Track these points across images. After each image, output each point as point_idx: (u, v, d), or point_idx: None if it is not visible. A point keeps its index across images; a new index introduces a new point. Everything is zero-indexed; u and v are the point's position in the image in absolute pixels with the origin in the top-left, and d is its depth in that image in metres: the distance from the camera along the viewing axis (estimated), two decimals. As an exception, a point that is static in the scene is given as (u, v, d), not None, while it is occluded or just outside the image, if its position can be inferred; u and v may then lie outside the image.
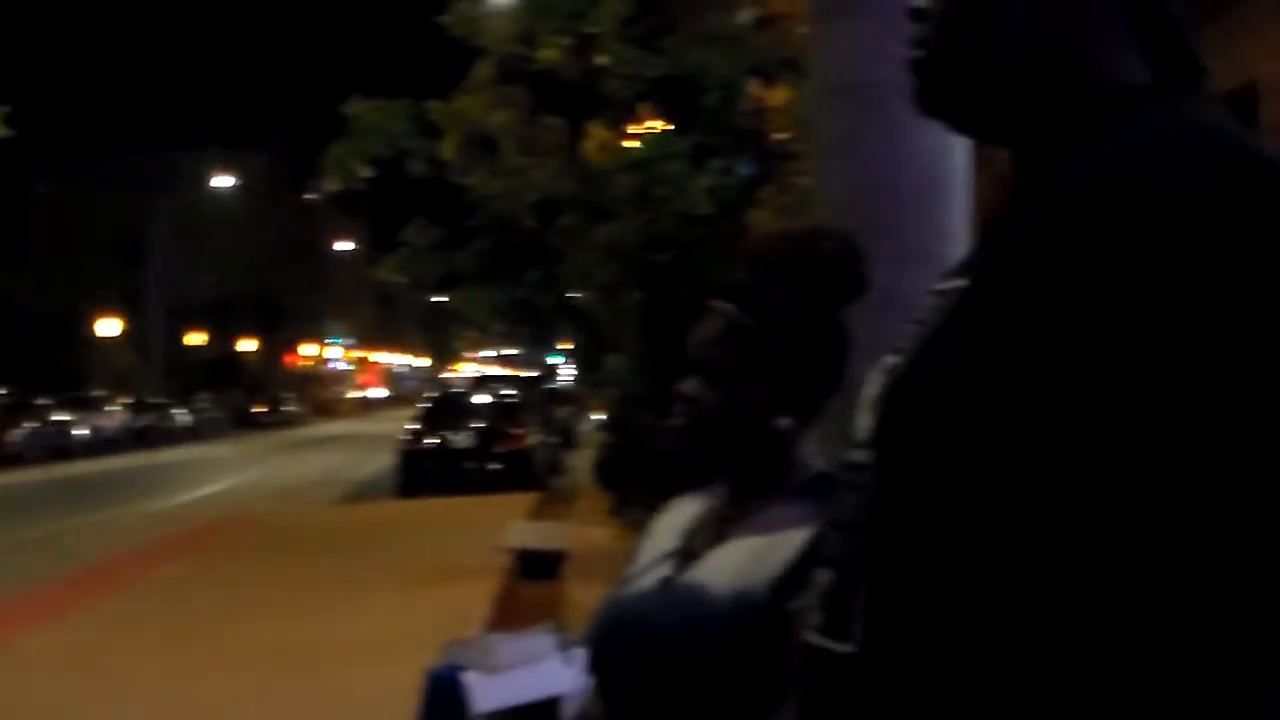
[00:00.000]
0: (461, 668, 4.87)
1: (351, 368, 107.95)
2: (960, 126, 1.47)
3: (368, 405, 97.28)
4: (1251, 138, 1.23)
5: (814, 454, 2.10)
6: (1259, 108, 11.66)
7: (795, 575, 1.88)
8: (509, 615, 9.84)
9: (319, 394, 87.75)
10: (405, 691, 4.97)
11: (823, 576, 1.36)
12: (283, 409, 67.99)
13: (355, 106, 10.87)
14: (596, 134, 9.18)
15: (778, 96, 9.19)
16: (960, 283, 1.32)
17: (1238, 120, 1.27)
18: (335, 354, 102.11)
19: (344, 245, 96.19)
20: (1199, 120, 1.25)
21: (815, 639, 1.34)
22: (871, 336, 2.24)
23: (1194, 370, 1.10)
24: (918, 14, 1.42)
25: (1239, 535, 1.09)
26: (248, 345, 78.97)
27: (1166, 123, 1.24)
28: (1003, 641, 1.18)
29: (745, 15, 9.51)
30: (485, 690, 4.81)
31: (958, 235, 3.29)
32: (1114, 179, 1.19)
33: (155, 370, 61.65)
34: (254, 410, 64.33)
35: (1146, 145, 1.21)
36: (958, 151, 3.30)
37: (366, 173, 10.95)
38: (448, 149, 10.45)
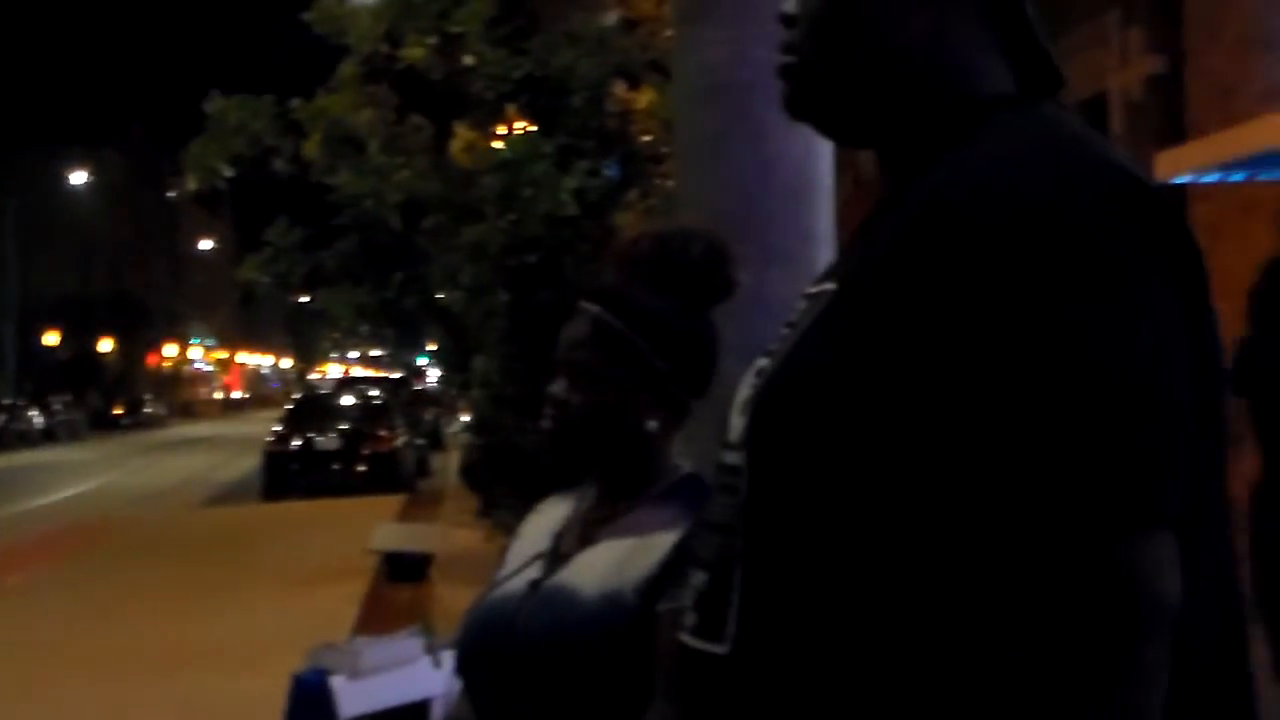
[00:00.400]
0: (328, 672, 4.83)
1: (213, 369, 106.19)
2: (829, 131, 1.49)
3: (232, 406, 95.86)
4: (1105, 144, 1.27)
5: (682, 455, 2.12)
6: (1109, 117, 11.96)
7: (665, 577, 1.89)
8: (376, 619, 9.75)
9: (182, 395, 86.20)
10: (271, 697, 4.91)
11: (697, 578, 1.37)
12: (144, 410, 66.56)
13: (216, 104, 10.70)
14: (463, 135, 9.12)
15: (643, 99, 9.22)
16: (829, 286, 1.34)
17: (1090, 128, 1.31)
18: (198, 355, 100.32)
19: (206, 244, 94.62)
20: (1057, 127, 1.28)
21: (690, 640, 1.35)
22: (739, 338, 2.26)
23: (1048, 376, 1.12)
24: (787, 20, 1.44)
25: (1087, 547, 1.11)
26: (106, 345, 77.20)
27: (1026, 129, 1.27)
28: (874, 638, 1.19)
29: (610, 18, 9.52)
30: (352, 694, 4.77)
31: (823, 238, 3.31)
32: (973, 185, 1.22)
33: (9, 371, 60.02)
34: (113, 412, 62.94)
35: (1006, 151, 1.24)
36: (823, 155, 3.33)
37: (227, 171, 10.78)
38: (311, 148, 10.33)
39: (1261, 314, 5.62)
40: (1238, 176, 10.07)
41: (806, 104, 1.45)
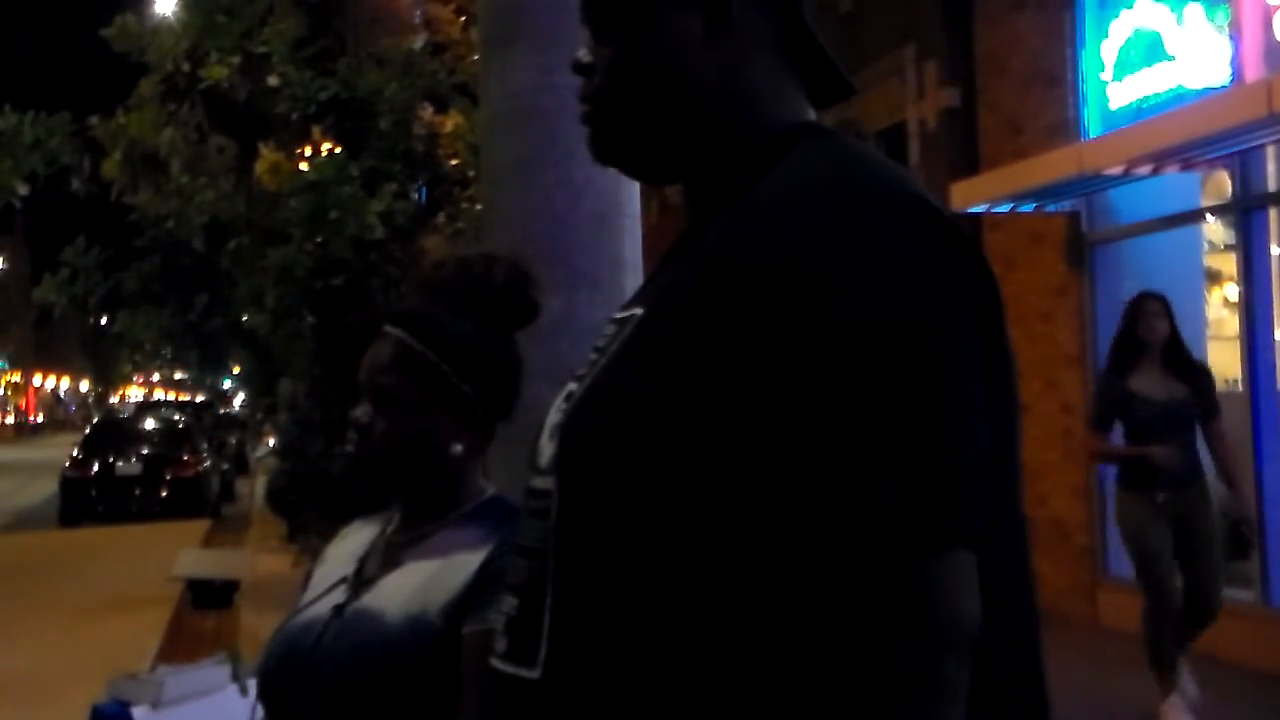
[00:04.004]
0: (129, 703, 4.72)
1: (5, 392, 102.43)
2: (634, 173, 1.52)
3: (28, 430, 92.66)
4: (902, 173, 1.31)
5: (486, 478, 2.13)
6: (907, 147, 12.29)
7: (470, 599, 1.90)
8: (180, 647, 9.53)
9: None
10: (67, 730, 4.78)
11: (507, 603, 1.37)
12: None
13: (7, 119, 10.38)
14: (268, 156, 8.98)
15: (450, 123, 9.20)
16: (636, 311, 1.36)
17: (888, 155, 1.35)
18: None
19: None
20: (854, 157, 1.31)
21: (501, 664, 1.35)
22: (547, 362, 2.29)
23: (847, 398, 1.15)
24: (582, 68, 1.46)
25: (897, 574, 1.13)
26: (-110, 370, 73.96)
27: (824, 160, 1.31)
28: (684, 660, 1.21)
29: (417, 41, 9.48)
30: (153, 725, 4.67)
31: (630, 263, 3.34)
32: (773, 215, 1.25)
33: None
34: (-102, 439, 60.38)
35: (805, 182, 1.27)
36: (630, 181, 3.37)
37: (22, 190, 10.46)
38: (111, 167, 10.08)
39: None
40: (1027, 207, 10.45)
41: (609, 149, 1.47)
